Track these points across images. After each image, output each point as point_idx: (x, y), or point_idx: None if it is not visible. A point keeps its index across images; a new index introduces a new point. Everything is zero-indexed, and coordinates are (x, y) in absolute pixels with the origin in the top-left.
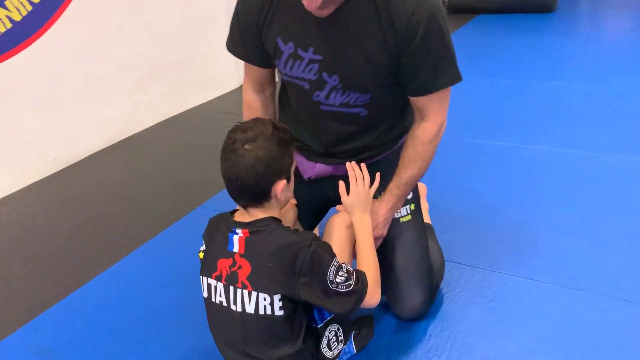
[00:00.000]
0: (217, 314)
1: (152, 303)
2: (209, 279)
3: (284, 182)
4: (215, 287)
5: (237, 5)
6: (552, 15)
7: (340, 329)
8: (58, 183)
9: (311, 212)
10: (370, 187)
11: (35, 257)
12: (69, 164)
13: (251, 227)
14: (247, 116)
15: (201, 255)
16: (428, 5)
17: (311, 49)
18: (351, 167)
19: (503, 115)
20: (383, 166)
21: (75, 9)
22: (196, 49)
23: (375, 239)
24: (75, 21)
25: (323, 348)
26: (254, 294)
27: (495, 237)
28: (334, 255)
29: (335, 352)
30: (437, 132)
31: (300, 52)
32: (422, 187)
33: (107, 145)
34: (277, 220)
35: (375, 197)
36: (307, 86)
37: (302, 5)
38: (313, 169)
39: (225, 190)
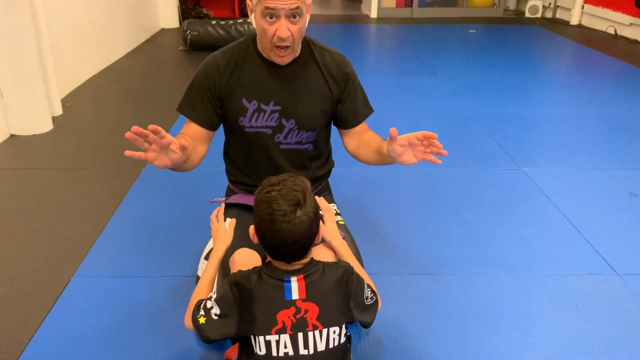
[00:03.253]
0: None
1: None
2: (267, 336)
3: (323, 226)
4: (277, 341)
5: (197, 75)
6: None
7: None
8: None
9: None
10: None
11: None
12: None
13: (305, 271)
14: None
15: (202, 320)
16: (346, 60)
17: (272, 102)
18: (320, 199)
19: None
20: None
21: None
22: None
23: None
24: None
25: None
26: (324, 331)
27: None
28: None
29: None
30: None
31: (263, 106)
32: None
33: None
34: (315, 260)
35: None
36: (269, 132)
37: (260, 67)
38: None
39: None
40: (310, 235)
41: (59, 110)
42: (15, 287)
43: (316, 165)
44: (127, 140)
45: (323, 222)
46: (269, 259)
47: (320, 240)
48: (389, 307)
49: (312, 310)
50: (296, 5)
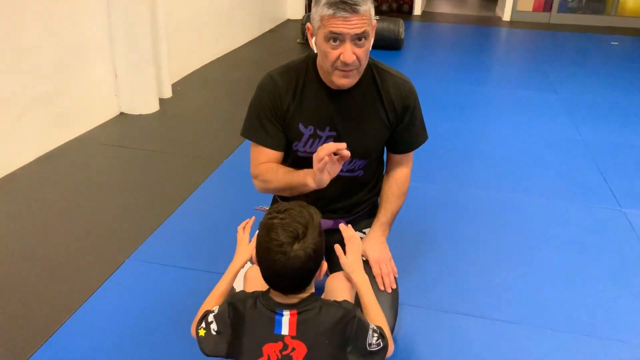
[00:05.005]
0: None
1: None
2: None
3: (325, 264)
4: None
5: (257, 96)
6: (399, 52)
7: None
8: None
9: None
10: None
11: None
12: None
13: (299, 307)
14: (269, 176)
15: (202, 332)
16: (411, 88)
17: (327, 128)
18: (344, 228)
19: None
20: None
21: None
22: (70, 78)
23: (385, 261)
24: None
25: None
26: None
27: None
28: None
29: None
30: (409, 173)
31: (318, 132)
32: None
33: None
34: (315, 295)
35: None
36: None
37: (319, 92)
38: None
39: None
40: (305, 270)
41: (168, 94)
42: (74, 259)
43: (366, 189)
44: (222, 129)
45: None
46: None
47: (321, 276)
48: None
49: (300, 350)
50: (363, 29)
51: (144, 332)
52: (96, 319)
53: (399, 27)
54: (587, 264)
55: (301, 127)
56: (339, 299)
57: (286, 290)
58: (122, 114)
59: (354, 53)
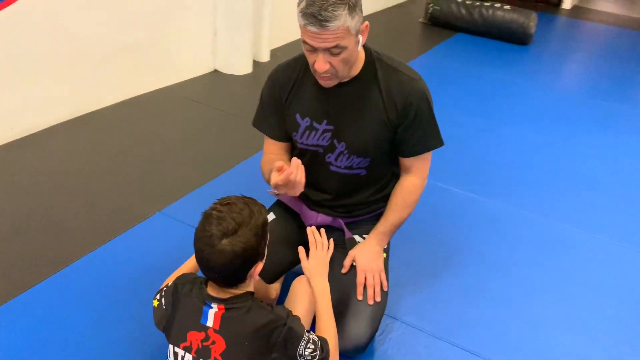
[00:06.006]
0: None
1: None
2: (175, 347)
3: (260, 265)
4: (183, 356)
5: (264, 87)
6: (526, 48)
7: None
8: (15, 152)
9: (294, 245)
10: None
11: None
12: (27, 134)
13: (228, 303)
14: (263, 168)
15: (155, 303)
16: (419, 87)
17: (324, 122)
18: (311, 232)
19: (452, 158)
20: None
21: None
22: (165, 28)
23: (373, 271)
24: None
25: None
26: None
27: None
28: (303, 329)
29: None
30: (421, 185)
31: (315, 124)
32: None
33: (68, 119)
34: (252, 296)
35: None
36: (321, 150)
37: (318, 85)
38: (315, 218)
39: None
40: (231, 267)
41: (265, 57)
42: (116, 199)
43: (369, 191)
44: None
45: (261, 260)
46: None
47: (257, 277)
48: None
49: (219, 345)
50: (335, 43)
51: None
52: (104, 265)
53: (529, 20)
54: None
55: (298, 118)
56: (298, 302)
57: (217, 282)
58: (215, 71)
59: (329, 62)
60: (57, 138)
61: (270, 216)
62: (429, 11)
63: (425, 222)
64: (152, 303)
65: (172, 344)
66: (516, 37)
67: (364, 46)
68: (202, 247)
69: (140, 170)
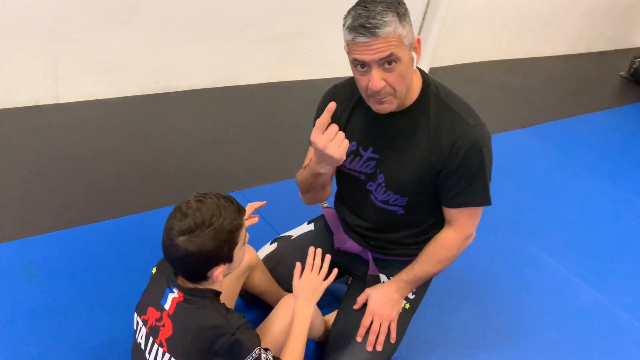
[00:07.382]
0: (136, 352)
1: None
2: (138, 316)
3: (221, 267)
4: (140, 328)
5: (320, 103)
6: None
7: None
8: (153, 103)
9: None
10: (324, 280)
11: (80, 174)
12: (169, 91)
13: (187, 294)
14: (297, 175)
15: (154, 271)
16: (473, 134)
17: (370, 149)
18: (312, 252)
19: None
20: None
21: None
22: (322, 27)
23: (382, 318)
24: None
25: None
26: (167, 355)
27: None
28: (256, 345)
29: None
30: (460, 242)
31: (361, 150)
32: None
33: (209, 87)
34: (214, 295)
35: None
36: (362, 177)
37: (370, 111)
38: (345, 242)
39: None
40: (185, 264)
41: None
42: (211, 166)
43: (407, 233)
44: None
45: (223, 266)
46: None
47: (222, 276)
48: None
49: (167, 329)
50: (389, 52)
51: None
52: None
53: None
54: None
55: None
56: (279, 318)
57: (176, 271)
58: None
59: (384, 79)
60: (194, 99)
61: (310, 227)
62: (634, 65)
63: None
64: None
65: (136, 312)
66: None
67: (424, 77)
68: (164, 238)
69: (248, 148)
